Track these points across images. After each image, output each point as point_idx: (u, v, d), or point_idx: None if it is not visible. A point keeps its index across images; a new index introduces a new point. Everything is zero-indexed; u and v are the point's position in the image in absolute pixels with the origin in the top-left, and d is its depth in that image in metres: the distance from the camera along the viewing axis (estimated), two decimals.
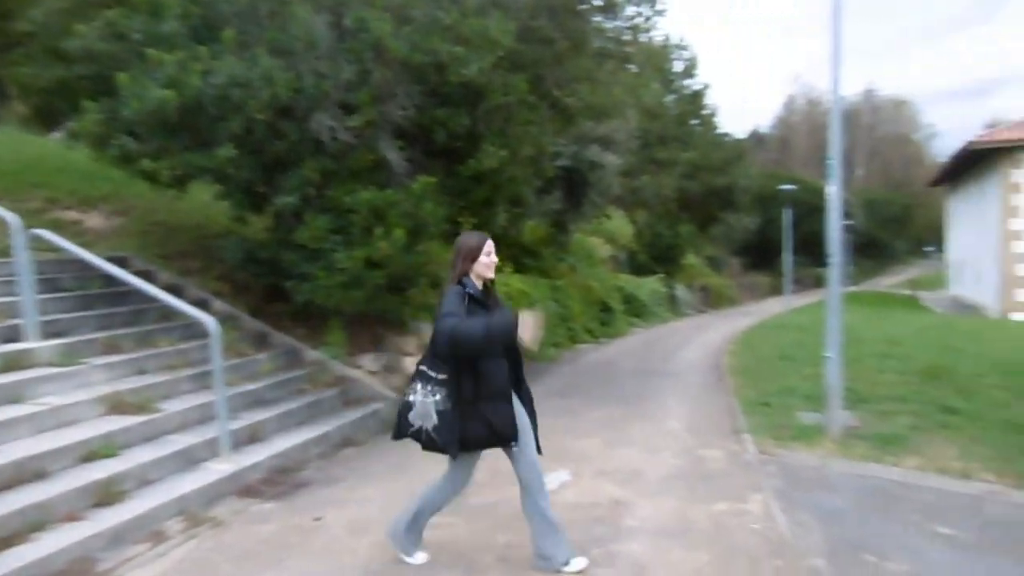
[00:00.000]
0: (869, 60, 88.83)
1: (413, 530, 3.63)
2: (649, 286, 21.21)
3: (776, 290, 29.10)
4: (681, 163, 25.71)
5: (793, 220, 24.18)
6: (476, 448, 3.38)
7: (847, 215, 39.43)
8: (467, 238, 3.44)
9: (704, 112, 29.27)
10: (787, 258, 23.93)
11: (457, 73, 6.95)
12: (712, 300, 27.85)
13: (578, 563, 3.53)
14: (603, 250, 21.68)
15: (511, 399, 3.33)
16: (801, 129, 56.42)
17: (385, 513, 4.24)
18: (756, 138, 52.69)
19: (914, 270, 50.37)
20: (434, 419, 3.26)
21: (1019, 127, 19.66)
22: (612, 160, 15.21)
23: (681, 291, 24.80)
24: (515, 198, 10.65)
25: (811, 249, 28.35)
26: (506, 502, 4.36)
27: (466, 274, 3.37)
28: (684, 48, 29.01)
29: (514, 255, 13.58)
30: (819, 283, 32.60)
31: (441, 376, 3.27)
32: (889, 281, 46.14)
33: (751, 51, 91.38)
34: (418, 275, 7.54)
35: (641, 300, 19.54)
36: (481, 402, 3.25)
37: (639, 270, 23.26)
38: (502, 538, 4.01)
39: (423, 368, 3.35)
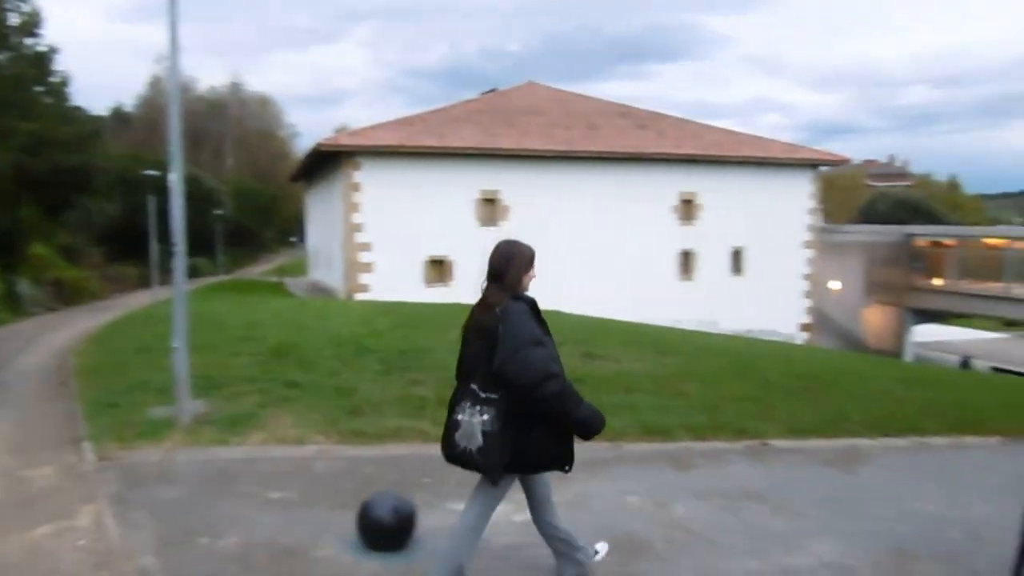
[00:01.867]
0: (237, 55, 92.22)
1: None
2: None
3: (145, 281, 27.60)
4: (21, 135, 21.87)
5: (162, 207, 23.26)
6: (524, 471, 3.21)
7: (218, 204, 40.22)
8: (520, 246, 3.23)
9: (53, 79, 25.55)
10: (155, 248, 22.94)
11: None
12: (68, 295, 24.68)
13: (603, 546, 3.69)
14: None
15: None
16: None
17: None
18: (120, 117, 48.82)
19: (281, 258, 54.77)
20: (479, 440, 3.02)
21: (357, 135, 23.06)
22: None
23: (25, 286, 21.23)
24: None
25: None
26: None
27: (517, 287, 3.15)
28: (23, 0, 24.70)
29: None
30: (193, 273, 32.35)
31: (491, 396, 3.03)
32: (260, 269, 49.03)
33: (121, 26, 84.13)
34: None
35: None
36: (534, 425, 3.05)
37: None
38: None
39: (474, 387, 3.09)
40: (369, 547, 3.81)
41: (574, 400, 3.03)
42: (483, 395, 3.04)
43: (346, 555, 3.78)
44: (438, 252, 21.23)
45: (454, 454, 3.13)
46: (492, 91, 27.93)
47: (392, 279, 20.16)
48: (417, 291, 19.72)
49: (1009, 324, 27.10)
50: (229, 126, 56.13)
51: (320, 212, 27.65)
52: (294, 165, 34.60)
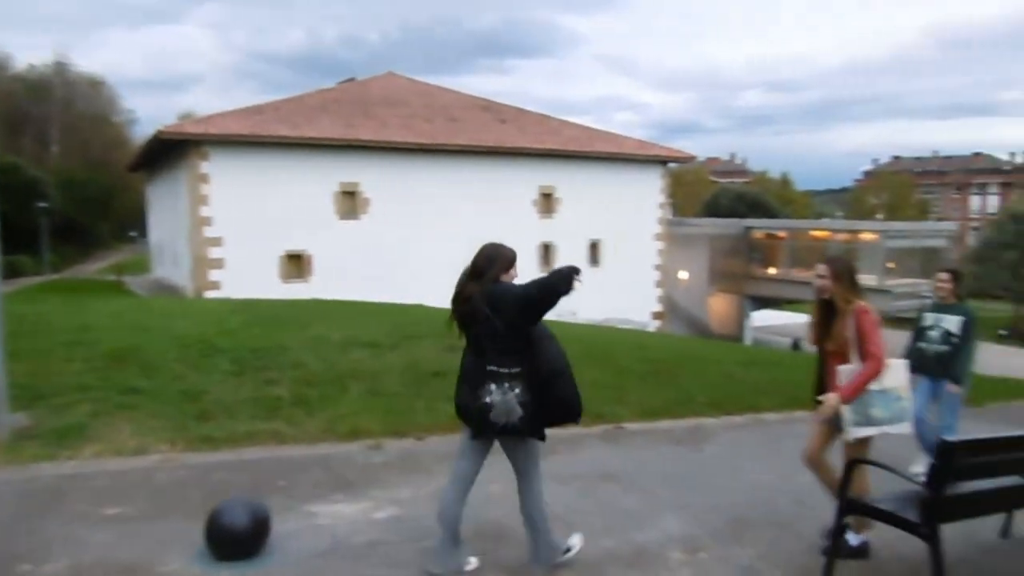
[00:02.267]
0: (59, 31, 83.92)
1: (550, 538, 3.63)
2: None
3: None
4: None
5: None
6: (552, 426, 3.51)
7: (43, 196, 36.44)
8: (504, 249, 3.54)
9: None
10: None
11: None
12: None
13: (474, 560, 3.67)
14: None
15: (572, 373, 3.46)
16: None
17: None
18: None
19: (120, 255, 50.53)
20: (519, 411, 3.32)
21: (203, 122, 21.67)
22: None
23: None
24: None
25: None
26: None
27: (497, 281, 3.44)
28: None
29: None
30: (13, 272, 29.17)
31: (514, 370, 3.34)
32: (95, 267, 44.91)
33: None
34: None
35: None
36: (550, 382, 3.36)
37: None
38: None
39: (492, 368, 3.37)
40: (220, 557, 3.61)
41: (536, 286, 3.34)
42: (505, 371, 3.35)
43: (194, 568, 3.56)
44: (295, 246, 20.47)
45: (495, 431, 3.42)
46: (350, 80, 27.24)
47: (245, 275, 19.19)
48: (273, 287, 18.87)
49: None
50: (54, 110, 50.78)
51: (164, 205, 25.82)
52: (133, 154, 32.03)
